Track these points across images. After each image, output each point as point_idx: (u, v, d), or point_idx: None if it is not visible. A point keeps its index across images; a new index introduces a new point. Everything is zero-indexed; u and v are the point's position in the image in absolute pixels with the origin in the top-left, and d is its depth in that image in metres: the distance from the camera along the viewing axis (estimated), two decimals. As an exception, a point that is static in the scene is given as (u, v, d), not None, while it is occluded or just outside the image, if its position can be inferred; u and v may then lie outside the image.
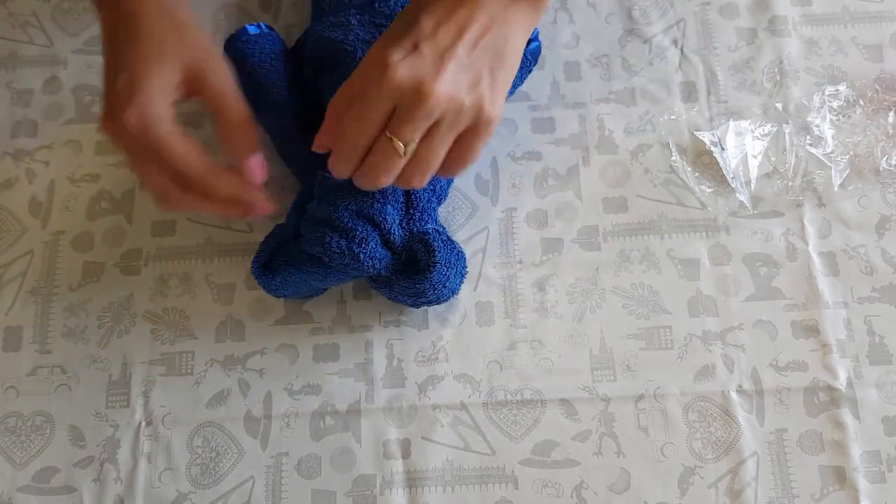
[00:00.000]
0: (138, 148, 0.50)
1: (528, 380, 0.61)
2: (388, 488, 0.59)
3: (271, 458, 0.60)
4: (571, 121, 0.68)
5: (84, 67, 0.71)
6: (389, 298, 0.62)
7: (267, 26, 0.66)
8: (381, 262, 0.58)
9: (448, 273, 0.59)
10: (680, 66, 0.70)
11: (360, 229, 0.57)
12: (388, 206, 0.58)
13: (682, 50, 0.70)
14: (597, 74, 0.70)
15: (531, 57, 0.66)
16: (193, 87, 0.51)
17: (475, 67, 0.49)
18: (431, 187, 0.61)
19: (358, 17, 0.64)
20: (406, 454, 0.59)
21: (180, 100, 0.51)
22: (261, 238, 0.62)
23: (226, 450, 0.60)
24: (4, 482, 0.59)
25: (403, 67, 0.46)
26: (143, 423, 0.61)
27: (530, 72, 0.67)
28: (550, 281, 0.64)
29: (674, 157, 0.67)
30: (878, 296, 0.62)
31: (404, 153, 0.48)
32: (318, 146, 0.53)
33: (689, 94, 0.69)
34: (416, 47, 0.47)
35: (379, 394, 0.61)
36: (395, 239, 0.59)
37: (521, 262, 0.64)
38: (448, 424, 0.60)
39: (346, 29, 0.64)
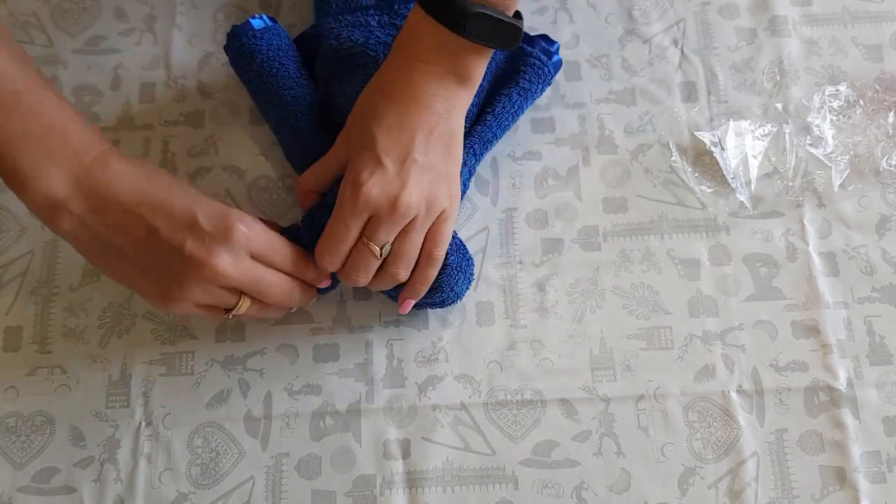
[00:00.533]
0: (240, 275, 0.53)
1: (529, 380, 0.61)
2: (388, 488, 0.59)
3: (271, 458, 0.60)
4: (571, 121, 0.68)
5: (84, 67, 0.71)
6: (392, 298, 0.62)
7: (270, 18, 0.66)
8: None
9: (458, 278, 0.59)
10: (680, 66, 0.70)
11: None
12: None
13: (682, 50, 0.70)
14: (597, 74, 0.70)
15: (553, 69, 0.66)
16: None
17: (431, 165, 0.56)
18: None
19: (377, 17, 0.64)
20: (406, 454, 0.59)
21: None
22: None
23: (226, 450, 0.60)
24: (4, 482, 0.59)
25: (374, 186, 0.54)
26: (143, 423, 0.61)
27: (550, 84, 0.67)
28: (550, 281, 0.63)
29: (674, 158, 0.67)
30: (878, 296, 0.62)
31: (380, 255, 0.56)
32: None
33: (689, 94, 0.69)
34: (379, 163, 0.55)
35: (379, 394, 0.61)
36: None
37: (521, 262, 0.64)
38: (448, 424, 0.60)
39: (365, 30, 0.63)
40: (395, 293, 0.60)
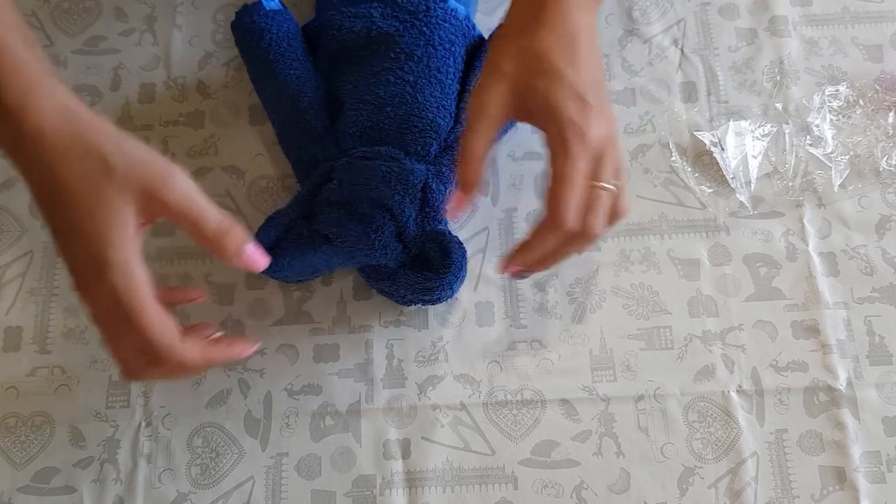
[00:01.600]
0: (112, 316, 0.47)
1: (528, 380, 0.61)
2: (388, 488, 0.59)
3: (271, 458, 0.60)
4: (571, 121, 0.68)
5: (84, 67, 0.71)
6: (386, 293, 0.62)
7: (280, 3, 0.66)
8: (391, 253, 0.59)
9: (458, 275, 0.59)
10: (680, 66, 0.70)
11: (378, 217, 0.58)
12: (407, 200, 0.59)
13: (682, 50, 0.70)
14: (597, 74, 0.70)
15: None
16: (153, 211, 0.47)
17: (600, 90, 0.53)
18: (444, 187, 0.61)
19: (380, 10, 0.64)
20: (406, 454, 0.59)
21: (146, 229, 0.48)
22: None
23: (226, 450, 0.60)
24: (4, 482, 0.59)
25: (594, 127, 0.51)
26: (143, 424, 0.61)
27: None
28: (550, 281, 0.63)
29: (674, 158, 0.67)
30: (878, 296, 0.62)
31: (615, 190, 0.52)
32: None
33: (689, 94, 0.69)
34: (583, 101, 0.51)
35: (379, 394, 0.61)
36: (409, 233, 0.59)
37: (521, 263, 0.64)
38: (448, 424, 0.60)
39: (367, 21, 0.64)
40: (397, 289, 0.60)
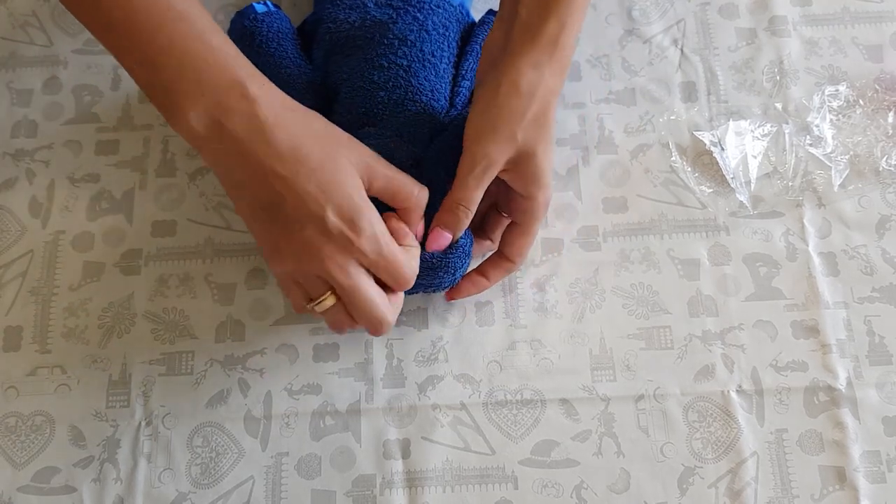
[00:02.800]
0: (369, 262, 0.53)
1: (528, 380, 0.61)
2: (388, 488, 0.59)
3: (271, 457, 0.60)
4: (571, 121, 0.68)
5: (84, 67, 0.71)
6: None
7: (274, 5, 0.66)
8: None
9: (465, 261, 0.59)
10: (680, 66, 0.70)
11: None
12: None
13: (682, 50, 0.70)
14: (597, 74, 0.70)
15: None
16: (370, 183, 0.54)
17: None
18: (442, 172, 0.61)
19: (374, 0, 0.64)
20: (406, 454, 0.59)
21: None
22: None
23: (226, 450, 0.60)
24: (4, 482, 0.59)
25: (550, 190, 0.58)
26: (143, 423, 0.61)
27: None
28: (550, 281, 0.63)
29: (674, 158, 0.67)
30: (878, 296, 0.62)
31: None
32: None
33: (689, 94, 0.69)
34: (548, 188, 0.58)
35: (379, 394, 0.61)
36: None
37: (521, 262, 0.64)
38: (448, 424, 0.60)
39: (362, 11, 0.64)
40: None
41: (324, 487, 0.59)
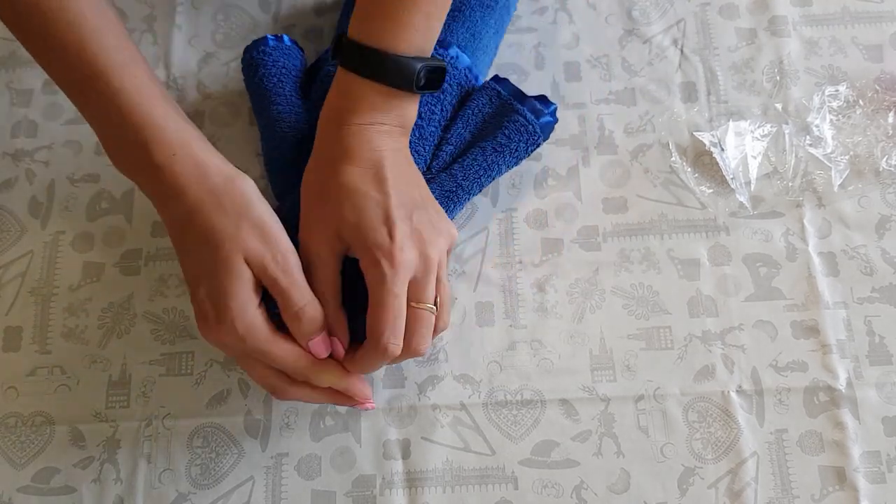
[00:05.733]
0: (239, 352, 0.53)
1: (528, 380, 0.61)
2: (388, 488, 0.59)
3: (271, 458, 0.60)
4: (571, 121, 0.68)
5: (84, 67, 0.71)
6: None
7: (291, 39, 0.66)
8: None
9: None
10: (680, 66, 0.70)
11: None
12: None
13: (682, 50, 0.70)
14: (597, 75, 0.70)
15: (540, 130, 0.63)
16: (260, 278, 0.52)
17: (424, 205, 0.55)
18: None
19: None
20: (406, 454, 0.59)
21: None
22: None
23: (226, 450, 0.60)
24: (4, 482, 0.59)
25: (404, 250, 0.52)
26: (143, 424, 0.61)
27: (538, 145, 0.63)
28: (550, 281, 0.64)
29: (674, 158, 0.67)
30: (878, 296, 0.62)
31: (434, 311, 0.54)
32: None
33: (689, 94, 0.69)
34: (392, 225, 0.52)
35: (379, 394, 0.61)
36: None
37: (521, 263, 0.64)
38: (448, 425, 0.60)
39: None
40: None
41: (324, 488, 0.59)
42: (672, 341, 0.62)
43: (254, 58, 0.64)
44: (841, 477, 0.58)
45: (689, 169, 0.66)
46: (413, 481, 0.59)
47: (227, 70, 0.70)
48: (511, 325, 0.62)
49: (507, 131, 0.62)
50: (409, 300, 0.53)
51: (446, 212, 0.59)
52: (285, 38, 0.66)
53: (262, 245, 0.51)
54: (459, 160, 0.62)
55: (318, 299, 0.53)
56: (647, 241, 0.64)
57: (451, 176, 0.61)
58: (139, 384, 0.62)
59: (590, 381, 0.61)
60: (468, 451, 0.59)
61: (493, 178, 0.63)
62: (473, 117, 0.63)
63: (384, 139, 0.55)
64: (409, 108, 0.56)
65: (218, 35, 0.72)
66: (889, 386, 0.60)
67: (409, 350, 0.53)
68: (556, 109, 0.64)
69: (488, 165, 0.62)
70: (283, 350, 0.53)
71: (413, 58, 0.54)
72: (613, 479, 0.58)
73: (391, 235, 0.52)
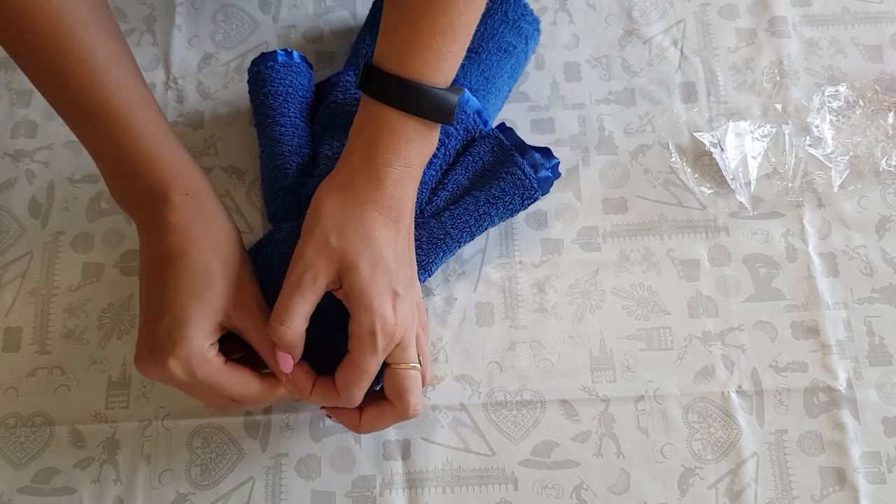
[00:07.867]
0: (185, 384, 0.52)
1: (528, 380, 0.61)
2: (388, 489, 0.59)
3: (271, 458, 0.60)
4: (571, 121, 0.68)
5: (84, 68, 0.71)
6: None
7: (301, 56, 0.65)
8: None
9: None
10: (680, 66, 0.70)
11: None
12: None
13: (682, 50, 0.70)
14: (596, 75, 0.70)
15: (538, 184, 0.61)
16: (228, 327, 0.53)
17: (410, 262, 0.56)
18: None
19: None
20: (406, 455, 0.59)
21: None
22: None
23: (225, 450, 0.60)
24: (4, 483, 0.59)
25: (392, 324, 0.52)
26: (143, 424, 0.61)
27: (534, 200, 0.62)
28: (550, 281, 0.63)
29: (673, 158, 0.67)
30: (878, 296, 0.62)
31: (419, 367, 0.55)
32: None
33: (689, 94, 0.69)
34: (394, 295, 0.52)
35: (379, 394, 0.61)
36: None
37: (520, 263, 0.64)
38: (448, 425, 0.60)
39: None
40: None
41: (324, 488, 0.59)
42: (672, 342, 0.62)
43: (261, 72, 0.63)
44: (841, 477, 0.58)
45: (688, 169, 0.66)
46: (413, 482, 0.59)
47: (226, 70, 0.70)
48: (511, 326, 0.62)
49: (502, 184, 0.60)
50: (394, 362, 0.53)
51: (433, 259, 0.60)
52: (295, 54, 0.65)
53: (235, 302, 0.52)
54: (451, 208, 0.60)
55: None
56: (647, 242, 0.64)
57: (440, 223, 0.60)
58: (139, 385, 0.62)
59: (590, 381, 0.61)
60: (468, 451, 0.59)
61: (485, 229, 0.61)
62: (473, 164, 0.62)
63: (409, 186, 0.54)
64: (435, 139, 0.55)
65: (218, 35, 0.72)
66: (889, 386, 0.60)
67: (409, 410, 0.53)
68: (557, 164, 0.62)
69: (479, 216, 0.60)
70: (237, 381, 0.52)
71: (449, 90, 0.53)
72: (613, 479, 0.58)
73: (394, 308, 0.52)
